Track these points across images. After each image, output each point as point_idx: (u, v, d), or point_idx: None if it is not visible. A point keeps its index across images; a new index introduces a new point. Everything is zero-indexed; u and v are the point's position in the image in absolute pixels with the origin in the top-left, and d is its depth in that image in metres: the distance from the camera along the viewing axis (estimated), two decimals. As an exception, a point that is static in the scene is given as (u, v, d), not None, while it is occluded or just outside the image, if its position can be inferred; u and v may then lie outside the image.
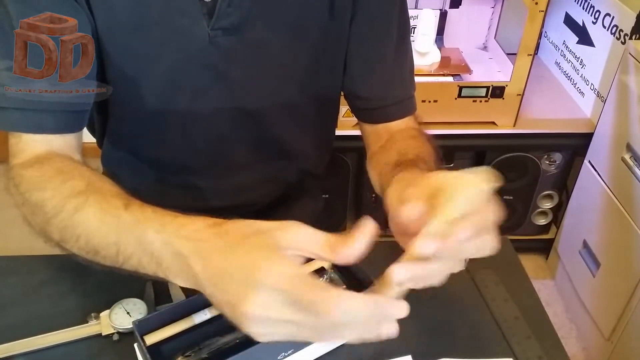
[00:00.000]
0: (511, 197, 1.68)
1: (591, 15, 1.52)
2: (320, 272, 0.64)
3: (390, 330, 0.43)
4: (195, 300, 0.59)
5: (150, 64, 0.69)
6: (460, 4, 1.58)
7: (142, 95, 0.72)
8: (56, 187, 0.58)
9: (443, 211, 0.46)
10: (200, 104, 0.73)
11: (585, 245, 1.51)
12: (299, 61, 0.73)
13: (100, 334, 0.63)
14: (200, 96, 0.72)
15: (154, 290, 0.67)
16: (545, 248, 1.78)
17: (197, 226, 0.49)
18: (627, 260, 1.32)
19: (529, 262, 1.78)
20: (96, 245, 0.54)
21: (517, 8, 1.53)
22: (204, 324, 0.61)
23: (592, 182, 1.47)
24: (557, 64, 1.74)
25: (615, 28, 1.41)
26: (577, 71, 1.61)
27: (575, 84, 1.63)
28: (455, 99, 1.48)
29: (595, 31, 1.51)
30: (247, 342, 0.50)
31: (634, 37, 1.33)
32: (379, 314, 0.43)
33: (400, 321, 0.44)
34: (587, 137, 1.50)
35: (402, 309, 0.43)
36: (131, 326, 0.60)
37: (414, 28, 1.54)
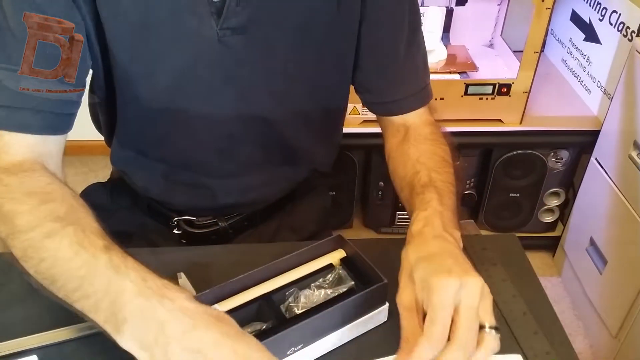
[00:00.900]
0: (518, 195, 1.68)
1: (598, 13, 1.52)
2: (328, 268, 0.65)
3: None
4: (206, 295, 0.59)
5: (158, 64, 0.69)
6: (467, 2, 1.58)
7: (150, 95, 0.72)
8: (34, 205, 0.57)
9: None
10: (208, 104, 0.73)
11: (592, 242, 1.51)
12: (306, 59, 0.74)
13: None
14: (208, 96, 0.73)
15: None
16: (552, 245, 1.78)
17: (182, 296, 0.50)
18: (634, 258, 1.32)
19: (536, 260, 1.78)
20: (57, 275, 0.53)
21: (523, 5, 1.53)
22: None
23: (598, 179, 1.47)
24: (564, 61, 1.74)
25: (622, 25, 1.41)
26: (584, 68, 1.61)
27: (582, 81, 1.63)
28: (462, 96, 1.48)
29: (602, 28, 1.50)
30: (256, 337, 0.51)
31: (641, 34, 1.33)
32: None
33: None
34: (593, 135, 1.50)
35: None
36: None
37: (420, 26, 1.54)
